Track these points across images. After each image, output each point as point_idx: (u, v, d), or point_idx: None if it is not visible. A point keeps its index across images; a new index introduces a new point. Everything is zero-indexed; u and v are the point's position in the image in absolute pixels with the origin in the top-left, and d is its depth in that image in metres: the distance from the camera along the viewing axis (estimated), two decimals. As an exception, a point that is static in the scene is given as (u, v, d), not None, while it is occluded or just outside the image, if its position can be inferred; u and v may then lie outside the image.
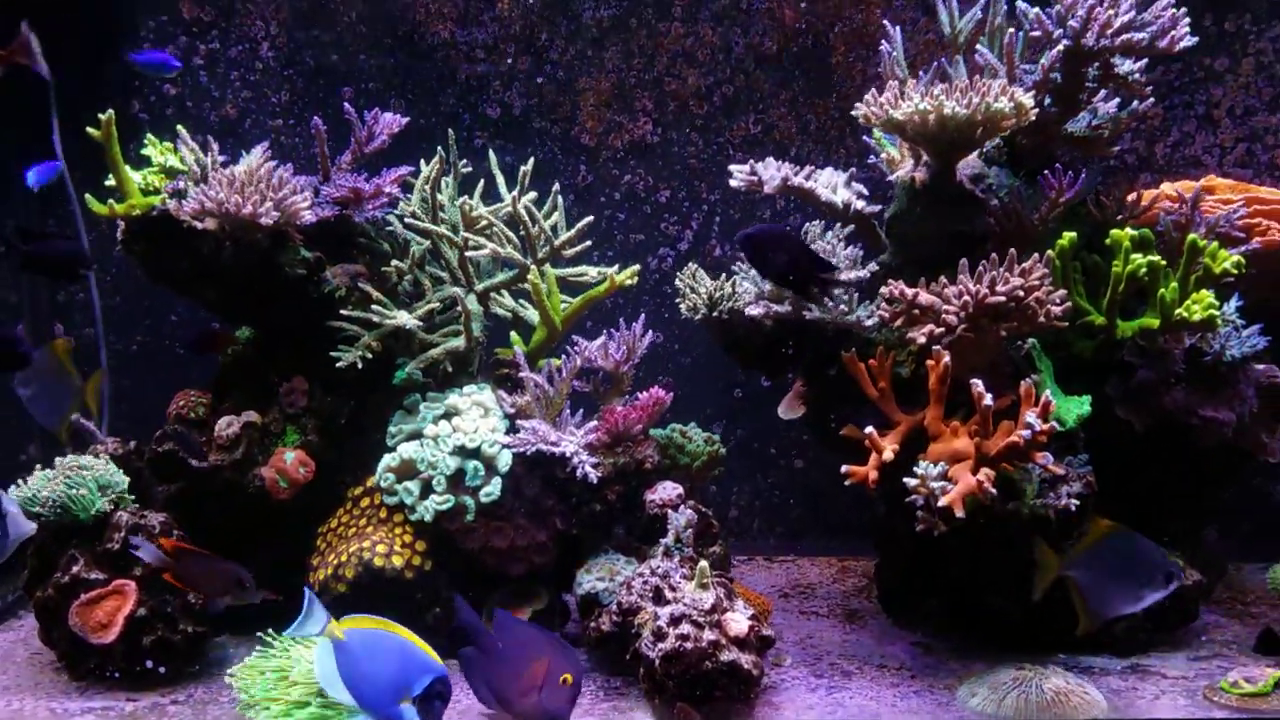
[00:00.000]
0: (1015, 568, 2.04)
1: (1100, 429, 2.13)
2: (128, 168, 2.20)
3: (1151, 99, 2.24)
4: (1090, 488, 1.97)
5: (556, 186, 2.30)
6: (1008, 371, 1.99)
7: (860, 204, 2.22)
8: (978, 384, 1.82)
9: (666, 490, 2.11)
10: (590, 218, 2.19)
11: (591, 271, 2.32)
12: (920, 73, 2.27)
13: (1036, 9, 2.10)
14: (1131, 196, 2.26)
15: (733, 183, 2.24)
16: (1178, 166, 2.73)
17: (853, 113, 2.10)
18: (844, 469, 1.94)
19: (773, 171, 2.22)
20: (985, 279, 1.88)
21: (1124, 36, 2.04)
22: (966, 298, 1.88)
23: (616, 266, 2.22)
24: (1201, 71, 2.71)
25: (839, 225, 2.25)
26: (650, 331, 2.23)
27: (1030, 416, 1.78)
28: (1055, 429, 1.79)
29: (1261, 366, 2.17)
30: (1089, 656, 2.12)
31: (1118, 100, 2.27)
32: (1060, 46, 2.07)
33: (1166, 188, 2.49)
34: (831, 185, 2.25)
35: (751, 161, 2.24)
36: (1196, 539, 2.25)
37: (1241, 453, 2.18)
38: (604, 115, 2.80)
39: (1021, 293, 1.87)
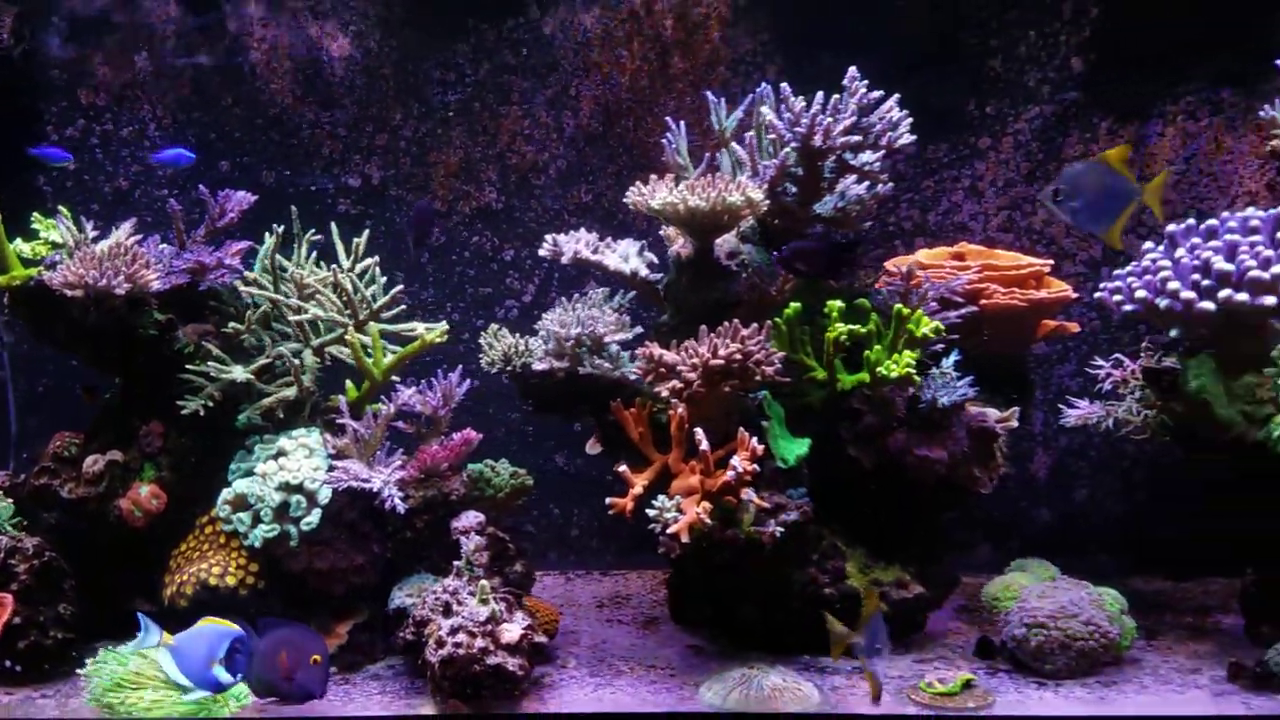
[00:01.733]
0: (764, 583, 2.39)
1: (841, 466, 2.47)
2: (19, 240, 2.53)
3: (890, 184, 2.58)
4: (806, 516, 2.29)
5: (375, 259, 2.60)
6: (739, 419, 2.31)
7: (645, 272, 2.56)
8: (699, 434, 2.15)
9: (468, 518, 2.42)
10: (401, 286, 2.50)
11: (420, 327, 2.63)
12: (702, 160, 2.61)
13: (772, 115, 2.43)
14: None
15: (541, 253, 2.57)
16: (948, 232, 3.06)
17: (624, 199, 2.43)
18: (608, 500, 2.26)
19: (570, 244, 2.55)
20: (708, 344, 2.21)
21: (844, 139, 2.37)
22: (697, 359, 2.21)
23: (423, 326, 2.54)
24: (968, 149, 3.05)
25: (623, 291, 2.59)
26: (468, 380, 2.56)
27: (736, 460, 2.11)
28: (756, 470, 2.11)
29: (974, 411, 2.50)
30: (826, 658, 2.43)
31: (867, 184, 2.60)
32: (789, 148, 2.40)
33: (920, 255, 2.84)
34: (625, 255, 2.58)
35: (554, 235, 2.58)
36: (925, 558, 2.56)
37: (958, 486, 2.51)
38: (453, 184, 3.13)
39: (739, 356, 2.20)
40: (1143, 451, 2.99)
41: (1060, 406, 2.68)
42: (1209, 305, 2.18)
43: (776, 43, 3.04)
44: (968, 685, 2.21)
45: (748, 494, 2.11)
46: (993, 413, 2.53)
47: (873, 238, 2.82)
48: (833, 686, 2.27)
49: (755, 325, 2.25)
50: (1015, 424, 2.52)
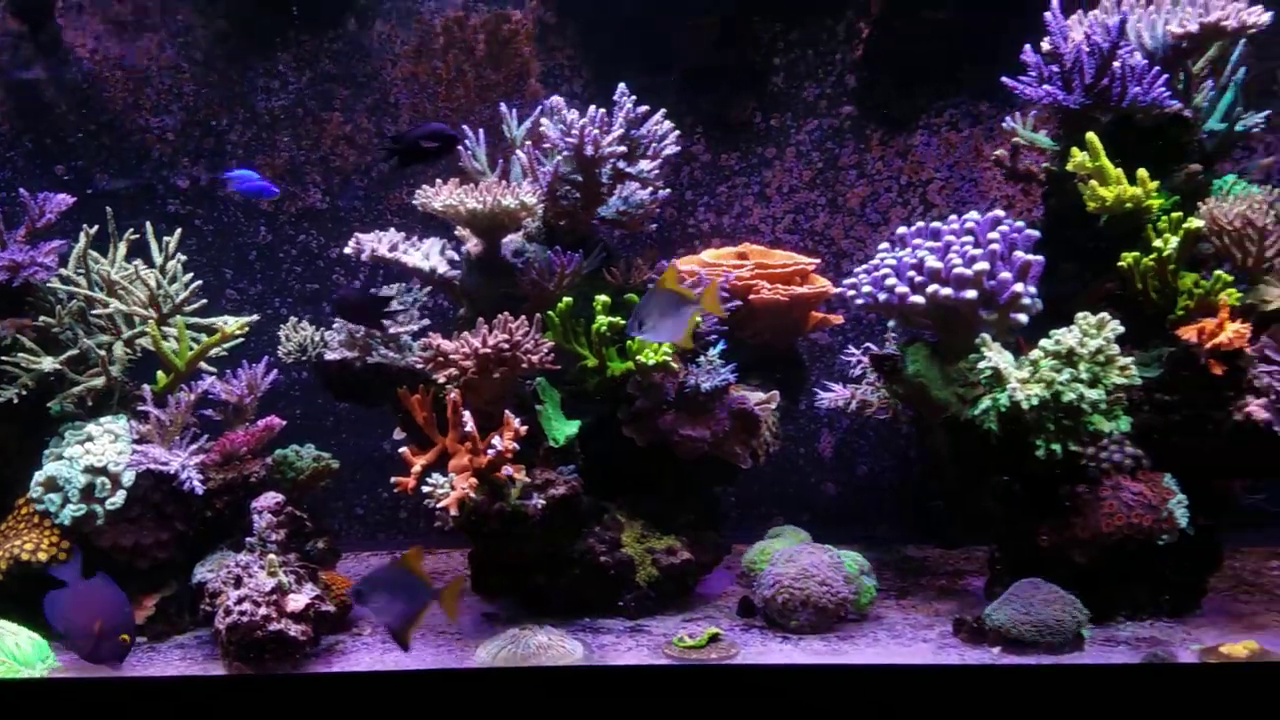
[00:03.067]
0: (550, 553, 2.57)
1: (620, 446, 2.66)
2: None
3: (668, 189, 2.78)
4: (573, 490, 2.47)
5: (182, 259, 2.72)
6: (515, 403, 2.49)
7: (444, 269, 2.72)
8: (466, 416, 2.32)
9: (266, 499, 2.55)
10: (199, 281, 2.64)
11: (233, 322, 2.76)
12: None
13: (548, 126, 2.61)
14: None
15: (346, 251, 2.72)
16: (742, 234, 3.28)
17: (412, 201, 2.59)
18: (392, 480, 2.43)
19: (370, 243, 2.70)
20: (481, 335, 2.38)
21: (611, 149, 2.56)
22: (469, 348, 2.39)
23: (227, 319, 2.67)
24: (756, 158, 3.27)
25: (419, 285, 2.75)
26: (273, 371, 2.70)
27: (498, 439, 2.28)
28: (516, 449, 2.29)
29: (736, 394, 2.71)
30: (606, 620, 2.62)
31: (650, 189, 2.80)
32: (561, 156, 2.58)
33: (705, 254, 3.05)
34: (427, 254, 2.74)
35: (358, 235, 2.73)
36: (697, 526, 2.76)
37: (723, 462, 2.72)
38: (279, 186, 3.25)
39: (507, 345, 2.37)
40: (915, 430, 3.23)
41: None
42: (919, 299, 2.42)
43: (582, 58, 3.22)
44: (714, 639, 2.41)
45: (508, 470, 2.29)
46: (754, 396, 2.74)
47: (599, 251, 2.98)
48: (600, 644, 2.46)
49: (524, 318, 2.42)
50: (774, 406, 2.74)
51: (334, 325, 2.63)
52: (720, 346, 2.70)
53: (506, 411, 2.34)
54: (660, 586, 2.65)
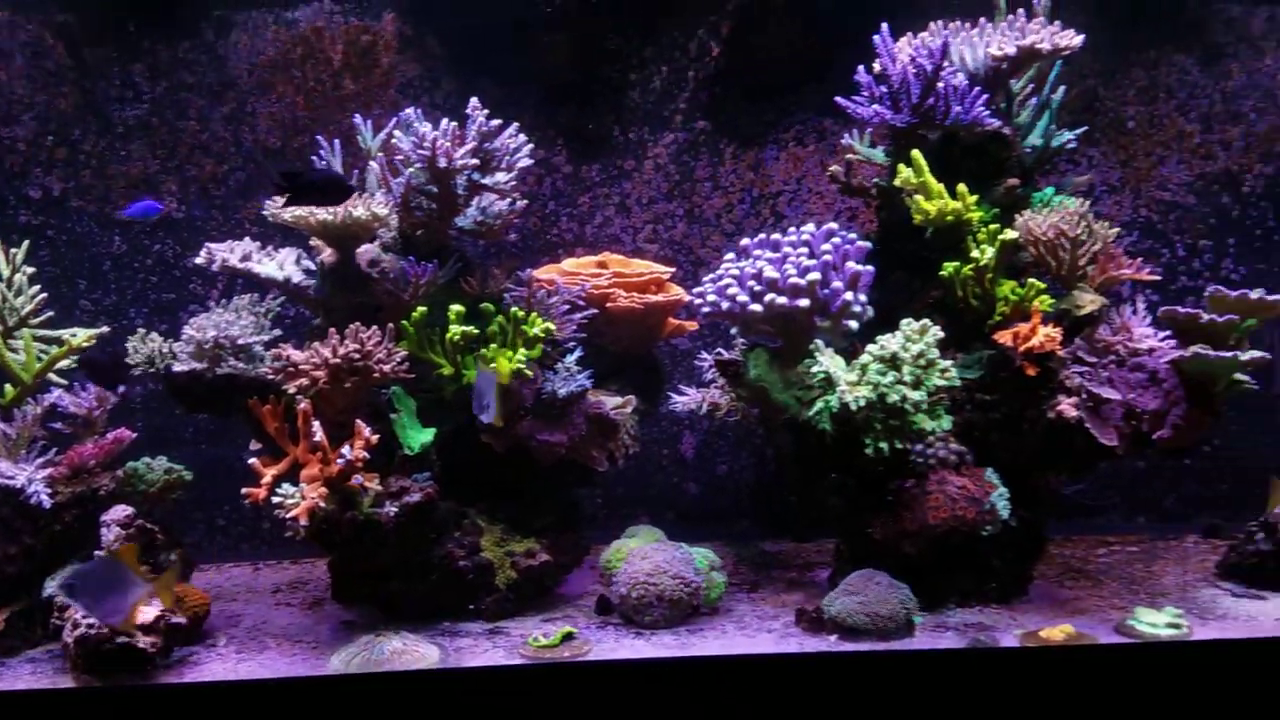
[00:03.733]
0: (408, 559, 2.59)
1: (479, 452, 2.70)
2: None
3: (525, 200, 2.84)
4: (429, 497, 2.50)
5: (30, 270, 2.67)
6: (370, 412, 2.52)
7: (299, 279, 2.72)
8: (315, 426, 2.34)
9: (116, 512, 2.51)
10: (45, 294, 2.59)
11: (82, 334, 2.71)
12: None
13: (400, 138, 2.64)
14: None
15: (197, 261, 2.70)
16: (604, 243, 3.35)
17: (262, 211, 2.59)
18: (244, 491, 2.42)
19: (221, 253, 2.69)
20: (331, 345, 2.40)
21: (464, 161, 2.60)
22: (319, 358, 2.40)
23: (77, 331, 2.63)
24: (616, 170, 3.36)
25: (274, 295, 2.75)
26: (123, 385, 2.66)
27: (347, 449, 2.30)
28: (367, 457, 2.32)
29: (593, 399, 2.78)
30: (466, 624, 2.66)
31: (509, 200, 2.85)
32: (415, 168, 2.62)
33: (566, 263, 3.11)
34: (281, 263, 2.74)
35: (209, 245, 2.71)
36: (557, 528, 2.82)
37: (580, 465, 2.79)
38: (134, 195, 3.20)
39: (358, 355, 2.40)
40: (764, 431, 3.35)
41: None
42: (757, 307, 2.53)
43: (443, 69, 3.26)
44: (568, 638, 2.47)
45: (359, 479, 2.31)
46: (611, 401, 2.82)
47: (455, 262, 3.00)
48: (458, 648, 2.50)
49: (376, 328, 2.45)
50: (630, 410, 2.82)
51: (183, 336, 2.61)
52: (577, 353, 2.77)
53: (358, 421, 2.36)
54: (520, 589, 2.70)
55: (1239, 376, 2.53)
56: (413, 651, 2.41)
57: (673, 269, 3.05)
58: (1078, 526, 3.44)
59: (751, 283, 2.57)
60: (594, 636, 2.55)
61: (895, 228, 2.81)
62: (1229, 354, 2.40)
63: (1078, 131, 2.87)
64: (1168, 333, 2.60)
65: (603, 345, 2.96)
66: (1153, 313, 2.64)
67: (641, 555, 2.66)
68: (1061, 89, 2.86)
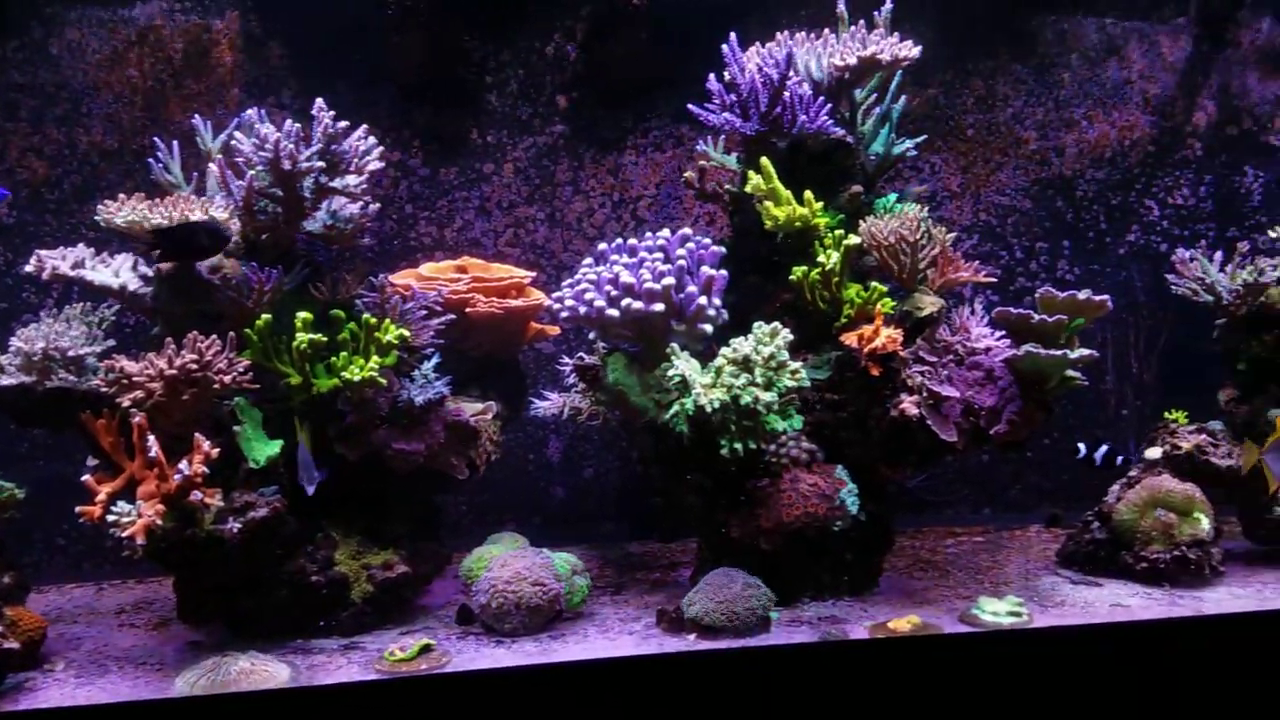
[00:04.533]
0: (258, 576, 2.49)
1: (335, 460, 2.62)
2: None
3: (377, 204, 2.77)
4: (275, 511, 2.42)
5: None
6: (213, 424, 2.42)
7: (135, 286, 2.59)
8: (151, 441, 2.23)
9: (-63, 535, 2.36)
10: None
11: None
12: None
13: (241, 140, 2.54)
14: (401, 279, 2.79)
15: (27, 269, 2.55)
16: (464, 247, 3.31)
17: (95, 217, 2.46)
18: (77, 509, 2.29)
19: (52, 261, 2.54)
20: (167, 356, 2.30)
21: (308, 164, 2.53)
22: (153, 370, 2.29)
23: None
24: (475, 173, 3.32)
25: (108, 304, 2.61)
26: (-53, 398, 2.48)
27: (184, 463, 2.21)
28: (205, 472, 2.23)
29: (452, 406, 2.74)
30: (321, 640, 2.58)
31: (360, 203, 2.77)
32: (258, 170, 2.53)
33: (424, 268, 3.06)
34: (117, 270, 2.61)
35: (40, 252, 2.56)
36: (416, 538, 2.77)
37: (440, 474, 2.75)
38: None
39: (195, 365, 2.30)
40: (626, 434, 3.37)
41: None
42: (614, 312, 2.53)
43: (290, 69, 3.16)
44: (425, 650, 2.43)
45: (197, 495, 2.22)
46: (471, 407, 2.78)
47: (301, 268, 2.93)
48: (311, 665, 2.42)
49: (215, 337, 2.35)
50: (490, 416, 2.79)
51: (10, 348, 2.45)
52: (434, 360, 2.72)
53: (197, 434, 2.26)
54: (377, 602, 2.64)
55: (1070, 373, 2.66)
56: (261, 671, 2.32)
57: (534, 273, 3.03)
58: (929, 519, 3.57)
59: (608, 288, 2.57)
60: (454, 647, 2.51)
61: (748, 232, 2.86)
62: (1058, 352, 2.52)
63: (918, 140, 2.97)
64: (1004, 332, 2.71)
65: (463, 351, 2.93)
66: (990, 313, 2.76)
67: (502, 563, 2.63)
68: (903, 99, 2.96)
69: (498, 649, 2.51)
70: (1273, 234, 3.06)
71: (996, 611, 2.61)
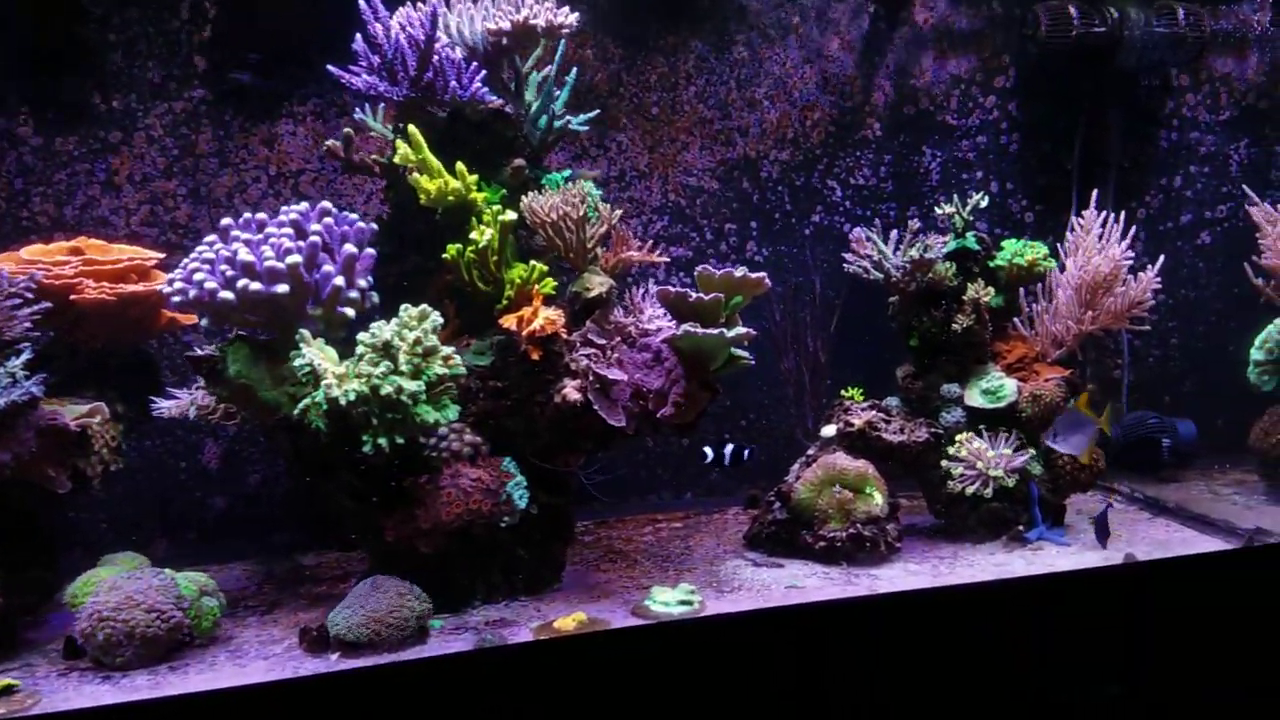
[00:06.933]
0: None
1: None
2: None
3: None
4: None
5: None
6: None
7: None
8: None
9: None
10: None
11: None
12: None
13: None
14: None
15: None
16: (90, 226, 2.93)
17: None
18: None
19: None
20: None
21: None
22: None
23: None
24: (99, 143, 2.94)
25: None
26: None
27: None
28: None
29: (48, 410, 2.38)
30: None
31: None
32: None
33: (26, 251, 2.66)
34: None
35: None
36: (14, 565, 2.40)
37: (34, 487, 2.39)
38: None
39: None
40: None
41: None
42: (228, 295, 2.27)
43: None
44: (7, 691, 2.10)
45: None
46: (74, 409, 2.44)
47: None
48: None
49: None
50: (98, 420, 2.46)
51: None
52: (25, 355, 2.36)
53: None
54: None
55: (738, 353, 2.63)
56: None
57: (164, 254, 2.70)
58: (633, 507, 3.51)
59: (225, 267, 2.30)
60: (51, 686, 2.19)
61: (407, 209, 2.66)
62: (715, 331, 2.47)
63: (590, 115, 2.87)
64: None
65: (75, 343, 2.57)
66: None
67: (111, 587, 2.32)
68: (575, 71, 2.85)
69: (103, 685, 2.21)
70: (939, 210, 3.17)
71: (667, 601, 2.55)
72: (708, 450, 2.86)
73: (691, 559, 3.00)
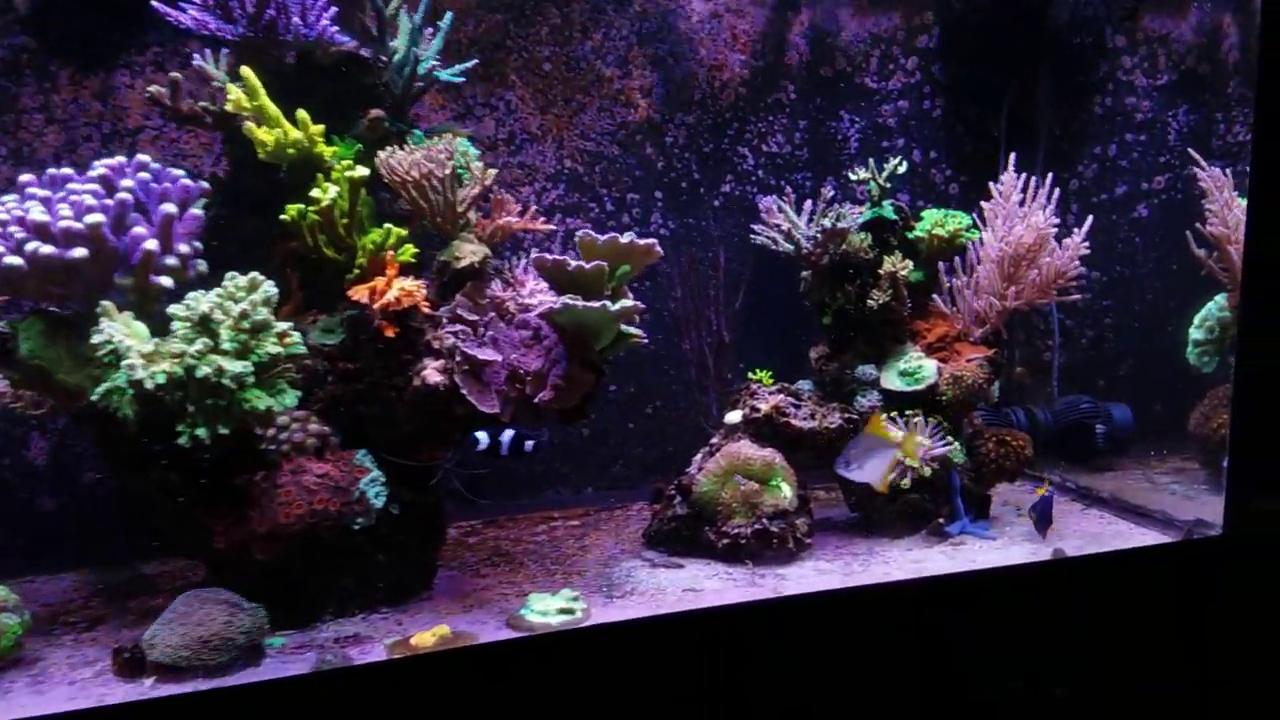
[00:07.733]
0: None
1: None
2: None
3: None
4: None
5: None
6: None
7: None
8: None
9: None
10: None
11: None
12: None
13: None
14: None
15: None
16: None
17: None
18: None
19: None
20: None
21: None
22: None
23: None
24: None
25: None
26: None
27: None
28: None
29: None
30: None
31: None
32: None
33: None
34: None
35: None
36: None
37: None
38: None
39: None
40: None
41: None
42: (15, 260, 1.94)
43: None
44: None
45: None
46: None
47: None
48: None
49: None
50: None
51: None
52: None
53: None
54: None
55: (628, 330, 2.36)
56: None
57: (-35, 221, 2.35)
58: (528, 504, 3.22)
59: (15, 229, 1.97)
60: None
61: (247, 166, 2.34)
62: (597, 304, 2.19)
63: (464, 64, 2.58)
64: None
65: None
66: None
67: (-126, 606, 1.98)
68: (449, 16, 2.55)
69: None
70: (853, 176, 2.92)
71: (546, 610, 2.27)
72: (480, 436, 2.36)
73: (584, 561, 2.72)
